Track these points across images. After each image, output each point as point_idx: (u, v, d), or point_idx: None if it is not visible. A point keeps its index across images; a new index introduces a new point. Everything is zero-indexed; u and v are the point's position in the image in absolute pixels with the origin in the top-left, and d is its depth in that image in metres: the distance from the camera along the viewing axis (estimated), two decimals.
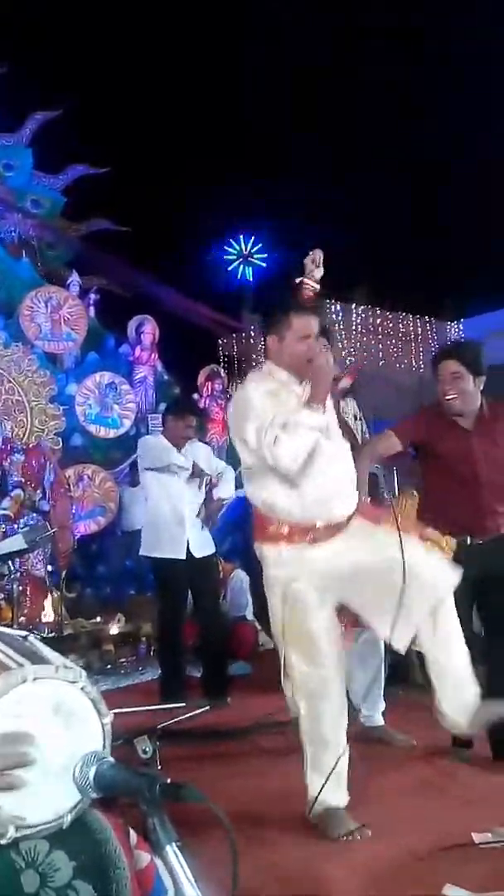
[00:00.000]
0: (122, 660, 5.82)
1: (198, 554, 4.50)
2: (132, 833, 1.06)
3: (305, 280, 2.72)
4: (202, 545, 4.55)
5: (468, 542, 3.01)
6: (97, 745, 1.00)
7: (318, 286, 2.71)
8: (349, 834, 2.40)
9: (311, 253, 2.75)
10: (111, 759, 0.95)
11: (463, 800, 2.69)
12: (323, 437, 2.50)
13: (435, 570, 2.53)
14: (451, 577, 2.53)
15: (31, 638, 1.15)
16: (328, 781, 2.46)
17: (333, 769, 2.46)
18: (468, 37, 13.94)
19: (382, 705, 3.55)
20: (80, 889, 0.95)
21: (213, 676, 4.44)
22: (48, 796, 0.96)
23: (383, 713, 3.55)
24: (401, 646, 2.52)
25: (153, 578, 4.89)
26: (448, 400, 3.02)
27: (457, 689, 2.55)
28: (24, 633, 1.17)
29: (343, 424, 2.87)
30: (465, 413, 3.05)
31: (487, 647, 3.04)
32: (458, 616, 2.62)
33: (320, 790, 2.47)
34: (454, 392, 3.00)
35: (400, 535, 2.45)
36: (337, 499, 2.55)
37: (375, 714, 3.53)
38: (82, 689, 1.02)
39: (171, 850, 0.83)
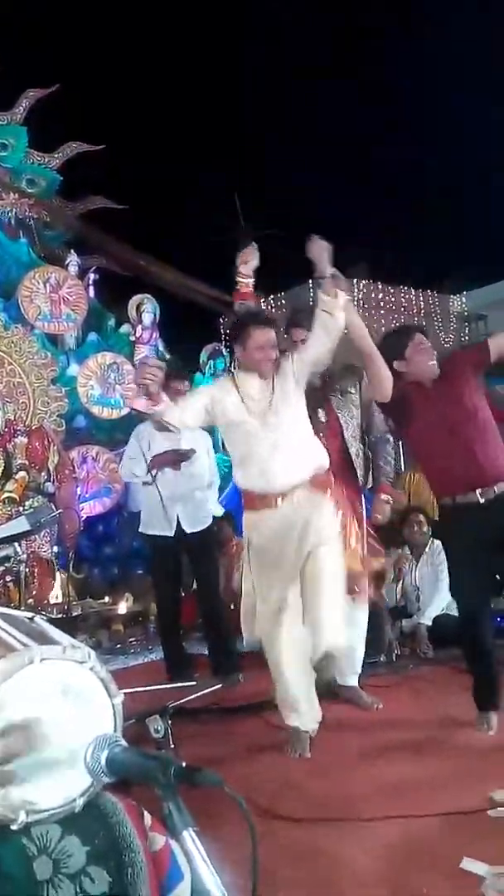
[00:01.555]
0: (132, 639, 5.83)
1: (189, 529, 4.46)
2: (146, 815, 1.03)
3: (238, 279, 3.15)
4: (194, 521, 4.50)
5: (477, 500, 3.01)
6: (108, 726, 0.97)
7: (251, 280, 3.18)
8: (301, 752, 2.95)
9: (240, 254, 3.24)
10: (124, 742, 0.92)
11: (469, 769, 2.67)
12: (262, 424, 3.02)
13: (324, 520, 2.99)
14: (329, 528, 3.01)
15: (38, 619, 1.12)
16: (287, 706, 3.01)
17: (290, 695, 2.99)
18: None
19: (358, 668, 3.72)
20: (95, 875, 0.92)
21: (220, 654, 4.43)
22: (59, 780, 0.93)
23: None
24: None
25: (149, 557, 4.95)
26: (431, 364, 3.16)
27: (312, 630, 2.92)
28: (30, 614, 1.14)
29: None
30: (430, 378, 3.17)
31: None
32: (473, 579, 3.06)
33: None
34: (433, 358, 3.18)
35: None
36: (278, 474, 3.01)
37: (349, 676, 3.68)
38: (91, 669, 0.99)
39: (189, 836, 0.80)
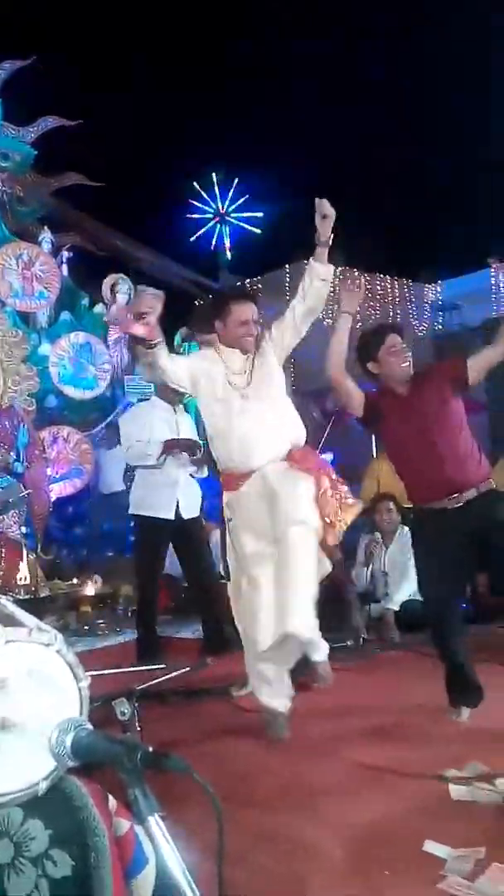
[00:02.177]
0: (100, 621, 5.80)
1: (186, 515, 4.48)
2: (111, 799, 1.02)
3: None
4: (191, 507, 4.54)
5: (447, 506, 3.01)
6: (74, 709, 0.96)
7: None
8: (280, 735, 2.91)
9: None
10: (89, 726, 0.90)
11: (435, 754, 2.70)
12: (244, 399, 3.03)
13: (299, 499, 2.92)
14: (310, 512, 2.92)
15: (4, 600, 1.10)
16: (259, 679, 2.99)
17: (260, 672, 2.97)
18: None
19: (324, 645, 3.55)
20: (57, 858, 0.91)
21: (215, 634, 4.42)
22: (22, 763, 0.92)
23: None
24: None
25: (135, 537, 4.88)
26: (404, 367, 3.14)
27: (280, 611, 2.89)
28: None
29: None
30: (403, 380, 3.15)
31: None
32: (442, 580, 3.03)
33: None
34: (406, 360, 3.15)
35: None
36: (257, 449, 3.02)
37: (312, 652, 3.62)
38: (58, 652, 0.97)
39: (154, 822, 0.79)
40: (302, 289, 3.14)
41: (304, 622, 2.86)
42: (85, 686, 0.98)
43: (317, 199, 3.04)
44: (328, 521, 3.01)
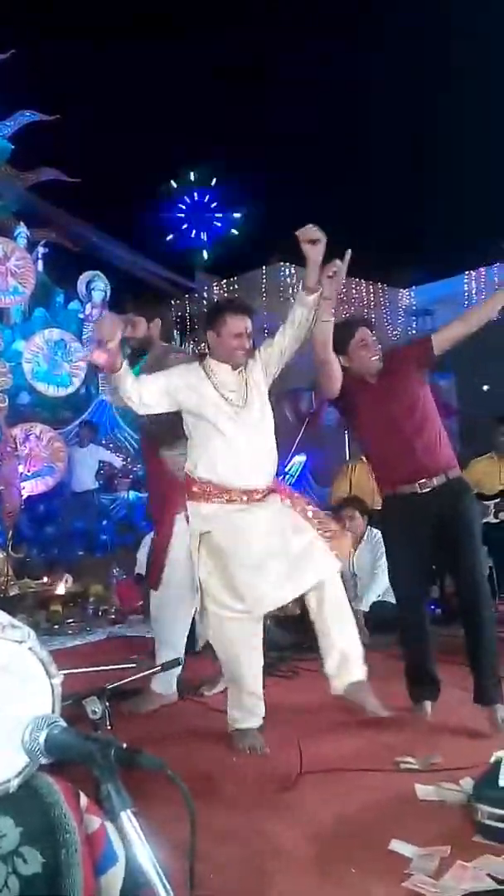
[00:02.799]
0: (70, 620, 5.77)
1: None
2: (82, 796, 1.02)
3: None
4: None
5: (417, 491, 3.08)
6: (46, 706, 0.96)
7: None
8: (251, 748, 2.85)
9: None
10: (62, 723, 0.90)
11: (402, 752, 2.73)
12: (235, 416, 2.97)
13: (317, 555, 2.90)
14: (333, 563, 2.93)
15: None
16: (244, 710, 2.97)
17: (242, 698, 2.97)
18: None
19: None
20: (28, 855, 0.91)
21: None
22: None
23: None
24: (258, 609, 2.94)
25: None
26: (374, 360, 3.18)
27: (339, 659, 2.97)
28: None
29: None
30: (374, 372, 3.20)
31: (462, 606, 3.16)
32: (412, 571, 3.17)
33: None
34: (376, 354, 3.19)
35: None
36: (243, 469, 2.96)
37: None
38: (30, 649, 0.97)
39: (126, 818, 0.80)
40: (292, 319, 3.04)
41: (363, 669, 3.01)
42: (58, 683, 0.98)
43: (301, 230, 2.92)
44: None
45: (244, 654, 2.97)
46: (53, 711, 0.96)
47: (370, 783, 2.49)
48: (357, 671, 2.99)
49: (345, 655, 2.96)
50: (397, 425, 3.09)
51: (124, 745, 0.83)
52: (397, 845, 2.01)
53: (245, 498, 2.96)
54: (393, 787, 2.43)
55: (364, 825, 2.20)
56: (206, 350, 3.19)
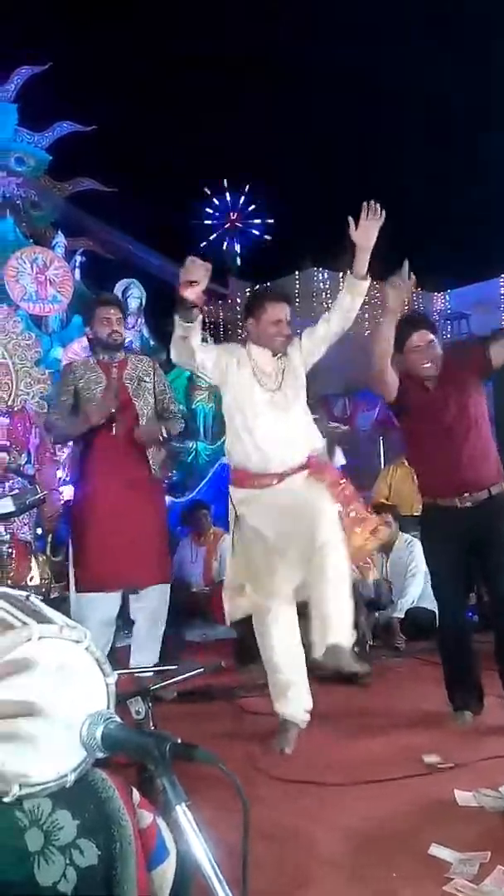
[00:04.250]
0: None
1: None
2: (135, 792, 1.05)
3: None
4: None
5: (457, 504, 3.06)
6: (102, 704, 0.99)
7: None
8: (285, 747, 2.88)
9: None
10: (118, 719, 0.94)
11: (439, 756, 2.72)
12: (270, 400, 3.00)
13: (329, 515, 2.84)
14: (338, 532, 2.84)
15: (33, 598, 1.13)
16: (277, 691, 2.97)
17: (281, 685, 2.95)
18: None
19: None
20: (85, 847, 0.94)
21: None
22: (52, 755, 0.94)
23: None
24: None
25: None
26: (427, 367, 3.14)
27: (321, 622, 2.82)
28: (25, 593, 1.15)
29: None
30: (427, 378, 3.16)
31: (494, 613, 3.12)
32: (452, 579, 3.11)
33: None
34: (430, 360, 3.14)
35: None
36: (277, 452, 2.98)
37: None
38: (86, 649, 1.00)
39: (182, 811, 0.82)
40: (339, 305, 3.09)
41: (345, 634, 2.81)
42: (112, 682, 1.01)
43: (365, 203, 2.95)
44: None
45: (275, 638, 2.99)
46: (108, 709, 0.99)
47: (406, 788, 2.49)
48: (335, 633, 2.80)
49: (326, 617, 2.83)
50: (447, 437, 3.06)
51: (179, 741, 0.86)
52: (437, 850, 2.01)
53: (276, 481, 2.99)
54: (430, 791, 2.43)
55: (402, 829, 2.20)
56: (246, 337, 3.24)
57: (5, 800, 0.90)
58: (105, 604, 3.39)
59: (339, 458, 4.33)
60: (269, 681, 3.05)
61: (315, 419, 3.38)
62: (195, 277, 2.77)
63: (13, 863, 0.88)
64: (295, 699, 3.00)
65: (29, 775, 0.92)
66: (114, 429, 3.45)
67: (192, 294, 2.78)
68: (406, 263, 3.03)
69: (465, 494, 3.04)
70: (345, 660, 2.78)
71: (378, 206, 2.96)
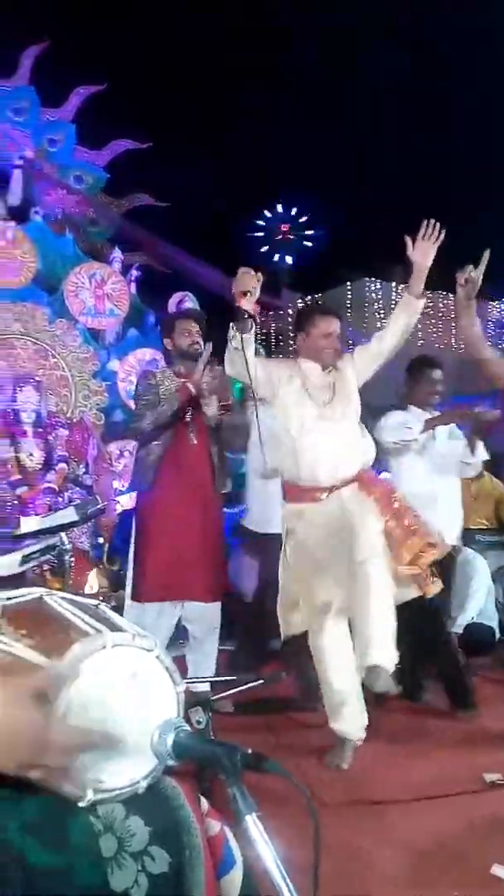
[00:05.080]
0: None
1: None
2: (203, 801, 1.06)
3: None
4: None
5: None
6: (172, 712, 1.00)
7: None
8: (339, 763, 2.88)
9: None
10: (188, 728, 0.95)
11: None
12: (320, 413, 3.01)
13: (372, 530, 2.83)
14: (379, 545, 2.81)
15: (103, 606, 1.16)
16: (331, 709, 2.94)
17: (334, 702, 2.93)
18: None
19: None
20: (156, 854, 0.95)
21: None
22: (125, 761, 0.96)
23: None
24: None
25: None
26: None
27: (362, 641, 2.78)
28: (95, 601, 1.18)
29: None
30: None
31: None
32: None
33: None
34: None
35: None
36: (327, 466, 2.98)
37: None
38: (157, 657, 1.02)
39: (252, 821, 0.83)
40: (394, 323, 3.07)
41: (386, 654, 2.73)
42: (181, 690, 1.02)
43: (424, 222, 2.95)
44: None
45: (327, 654, 2.97)
46: (178, 717, 1.00)
47: (467, 805, 2.45)
48: (375, 654, 2.72)
49: (367, 636, 2.75)
50: None
51: (249, 751, 0.86)
52: (499, 870, 1.97)
53: (325, 494, 2.98)
54: (491, 809, 2.39)
55: (463, 848, 2.17)
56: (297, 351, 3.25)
57: (80, 804, 0.93)
58: (162, 614, 3.40)
59: (481, 453, 3.92)
60: (324, 698, 3.03)
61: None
62: (247, 287, 2.80)
63: (89, 867, 0.90)
64: (350, 716, 2.96)
65: (103, 781, 0.94)
66: (191, 437, 3.47)
67: (247, 304, 2.81)
68: (487, 253, 2.95)
69: None
70: (385, 681, 2.72)
71: (437, 224, 2.95)
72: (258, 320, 2.95)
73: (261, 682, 2.23)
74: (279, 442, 3.13)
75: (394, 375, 3.33)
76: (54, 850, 0.88)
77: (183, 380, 3.46)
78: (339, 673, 2.95)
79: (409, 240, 2.97)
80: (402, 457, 3.87)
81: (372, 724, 3.06)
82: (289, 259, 18.38)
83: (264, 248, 18.45)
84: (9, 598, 1.13)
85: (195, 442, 3.46)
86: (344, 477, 2.99)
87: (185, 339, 3.55)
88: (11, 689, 0.89)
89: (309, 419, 3.02)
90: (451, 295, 14.23)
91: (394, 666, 2.74)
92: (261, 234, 18.73)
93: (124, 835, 0.96)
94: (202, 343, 3.56)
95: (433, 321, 13.85)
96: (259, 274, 2.87)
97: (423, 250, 2.97)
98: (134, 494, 6.72)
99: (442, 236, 2.97)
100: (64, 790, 0.90)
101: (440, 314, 14.27)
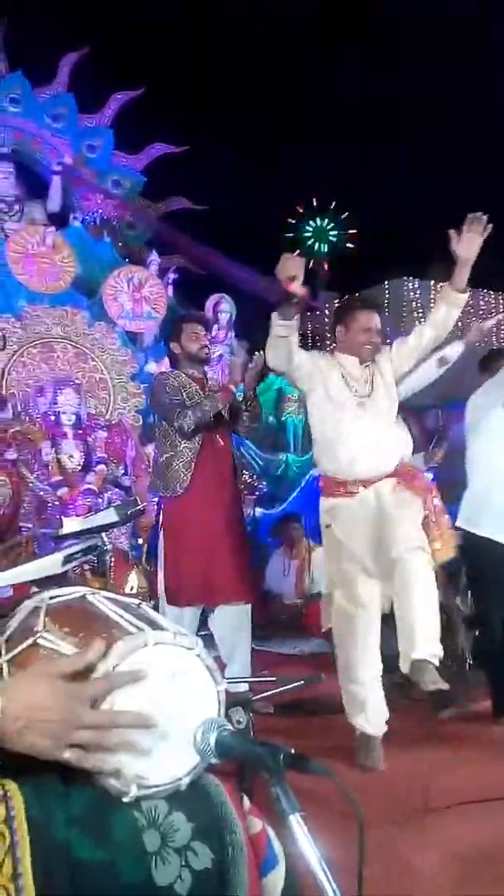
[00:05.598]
0: (202, 632, 5.88)
1: None
2: (245, 799, 1.07)
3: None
4: None
5: None
6: (213, 711, 1.01)
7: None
8: (364, 767, 2.86)
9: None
10: (230, 727, 0.95)
11: None
12: (359, 406, 3.01)
13: (412, 524, 2.83)
14: (418, 537, 2.80)
15: (144, 605, 1.17)
16: (355, 706, 2.94)
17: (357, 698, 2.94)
18: None
19: None
20: (199, 850, 0.96)
21: None
22: (167, 759, 0.97)
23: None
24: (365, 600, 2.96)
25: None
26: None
27: (406, 634, 2.73)
28: (136, 600, 1.19)
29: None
30: None
31: None
32: None
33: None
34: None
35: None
36: (365, 459, 2.96)
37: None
38: (198, 656, 1.02)
39: (296, 821, 0.83)
40: (434, 316, 3.08)
41: (433, 649, 2.70)
42: (223, 689, 1.02)
43: (470, 215, 2.93)
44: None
45: (358, 645, 2.96)
46: (219, 716, 1.01)
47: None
48: (422, 648, 2.68)
49: (412, 630, 2.71)
50: None
51: (292, 751, 0.87)
52: None
53: (363, 488, 2.97)
54: None
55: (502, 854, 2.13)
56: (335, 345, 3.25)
57: (124, 800, 0.94)
58: (186, 617, 3.44)
59: None
60: (345, 692, 3.00)
61: None
62: (293, 272, 2.78)
63: (133, 862, 0.91)
64: (373, 711, 2.96)
65: (146, 777, 0.95)
66: (219, 439, 3.49)
67: (295, 287, 2.79)
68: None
69: None
70: (430, 676, 2.65)
71: (484, 217, 2.91)
72: (305, 305, 2.93)
73: (301, 683, 2.24)
74: (318, 435, 3.13)
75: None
76: (99, 844, 0.89)
77: (220, 382, 3.50)
78: (365, 666, 2.94)
79: (453, 233, 2.94)
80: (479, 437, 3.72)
81: (413, 728, 3.03)
82: (325, 259, 18.32)
83: (297, 252, 18.42)
84: (52, 597, 1.14)
85: (222, 443, 3.49)
86: (382, 470, 2.99)
87: (194, 342, 3.57)
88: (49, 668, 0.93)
89: (347, 412, 3.02)
90: (491, 292, 14.04)
91: (438, 661, 2.69)
92: (297, 234, 18.70)
93: (168, 830, 0.96)
94: (210, 347, 3.62)
95: (473, 319, 13.67)
96: (301, 258, 2.86)
97: (468, 242, 2.93)
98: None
99: (489, 229, 2.93)
100: (108, 785, 0.92)
101: (480, 311, 14.08)
